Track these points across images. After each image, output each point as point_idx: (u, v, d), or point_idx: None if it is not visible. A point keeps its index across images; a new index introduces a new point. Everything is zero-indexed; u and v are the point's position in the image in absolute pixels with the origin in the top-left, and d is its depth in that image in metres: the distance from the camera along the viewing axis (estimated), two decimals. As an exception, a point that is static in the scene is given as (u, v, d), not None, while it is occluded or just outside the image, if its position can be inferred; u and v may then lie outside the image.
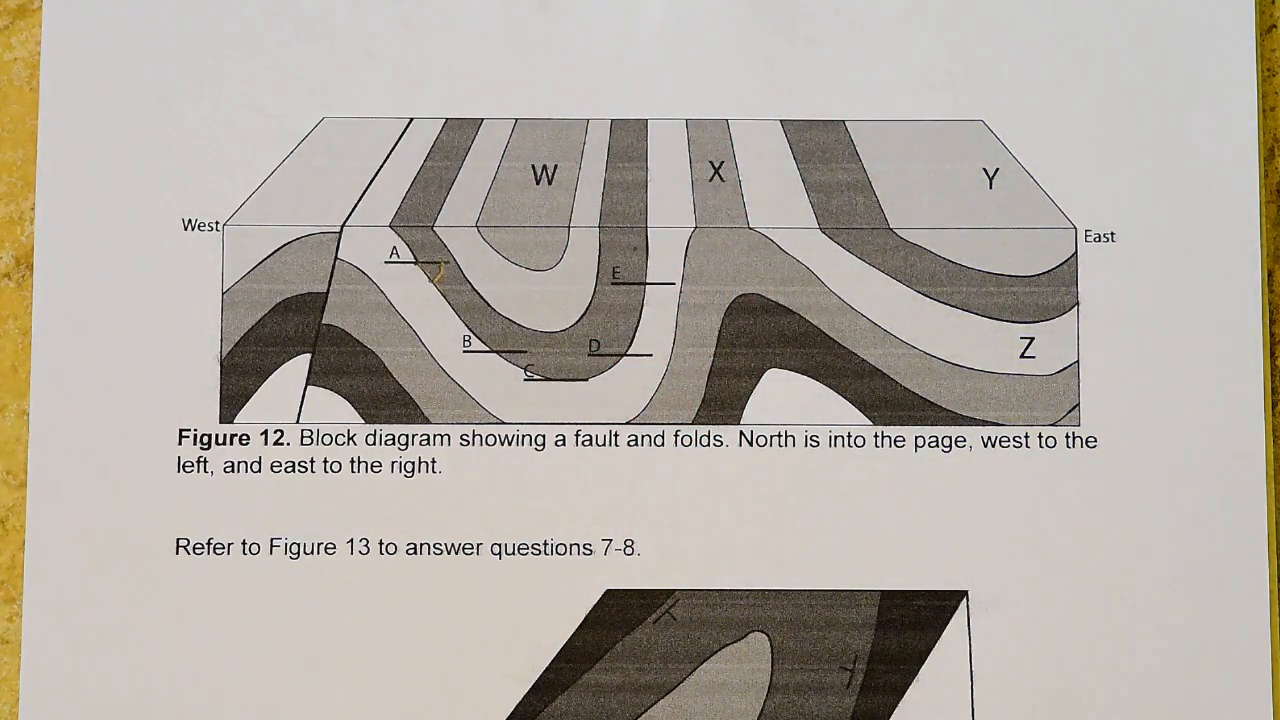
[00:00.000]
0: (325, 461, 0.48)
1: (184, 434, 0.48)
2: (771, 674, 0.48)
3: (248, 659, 0.47)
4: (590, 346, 0.49)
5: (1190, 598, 0.47)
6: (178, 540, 0.48)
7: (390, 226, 0.49)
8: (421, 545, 0.48)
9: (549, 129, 0.49)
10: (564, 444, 0.48)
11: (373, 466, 0.48)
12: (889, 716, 0.48)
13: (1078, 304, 0.49)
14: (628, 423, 0.48)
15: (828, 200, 0.49)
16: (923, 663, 0.48)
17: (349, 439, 0.48)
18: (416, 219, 0.49)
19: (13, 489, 0.48)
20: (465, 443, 0.48)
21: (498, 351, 0.49)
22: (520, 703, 0.47)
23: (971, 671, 0.48)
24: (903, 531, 0.48)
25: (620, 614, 0.48)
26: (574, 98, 0.49)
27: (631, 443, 0.48)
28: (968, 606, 0.48)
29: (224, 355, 0.48)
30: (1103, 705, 0.47)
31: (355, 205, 0.49)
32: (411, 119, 0.49)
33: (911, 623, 0.48)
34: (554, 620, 0.48)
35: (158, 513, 0.48)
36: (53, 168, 0.49)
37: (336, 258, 0.49)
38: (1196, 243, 0.49)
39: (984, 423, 0.48)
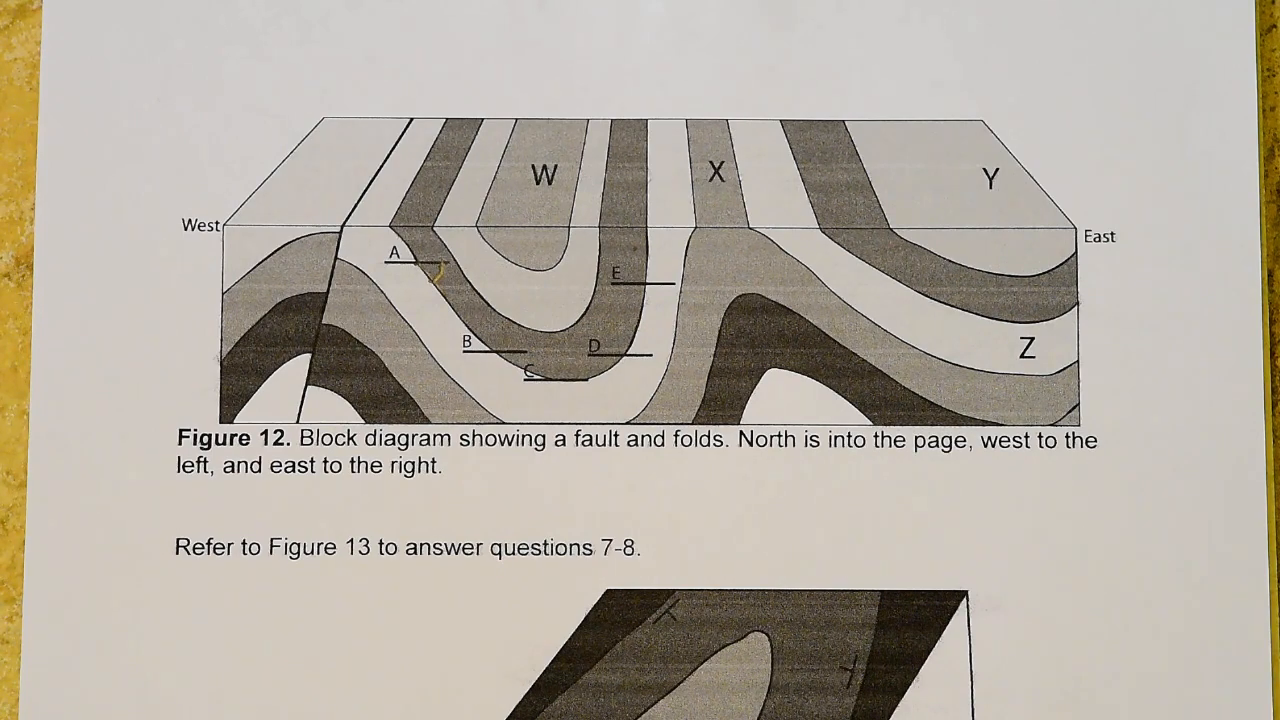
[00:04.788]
0: (325, 461, 0.48)
1: (184, 434, 0.48)
2: (771, 674, 0.48)
3: (248, 659, 0.47)
4: (590, 346, 0.49)
5: (1190, 598, 0.47)
6: (178, 540, 0.48)
7: (390, 226, 0.49)
8: (421, 545, 0.48)
9: (549, 129, 0.49)
10: (564, 444, 0.48)
11: (373, 466, 0.48)
12: (889, 716, 0.48)
13: (1078, 304, 0.49)
14: (628, 423, 0.48)
15: (828, 200, 0.49)
16: (923, 663, 0.48)
17: (349, 439, 0.48)
18: (416, 219, 0.49)
19: (13, 489, 0.48)
20: (465, 443, 0.48)
21: (498, 351, 0.49)
22: (520, 703, 0.47)
23: (971, 671, 0.48)
24: (903, 531, 0.48)
25: (620, 614, 0.48)
26: (574, 98, 0.49)
27: (631, 443, 0.48)
28: (968, 606, 0.48)
29: (224, 355, 0.48)
30: (1103, 705, 0.47)
31: (355, 205, 0.49)
32: (411, 119, 0.49)
33: (911, 623, 0.48)
34: (554, 620, 0.48)
35: (158, 513, 0.48)
36: (53, 168, 0.49)
37: (336, 258, 0.49)
38: (1196, 243, 0.49)
39: (984, 423, 0.48)
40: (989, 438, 0.48)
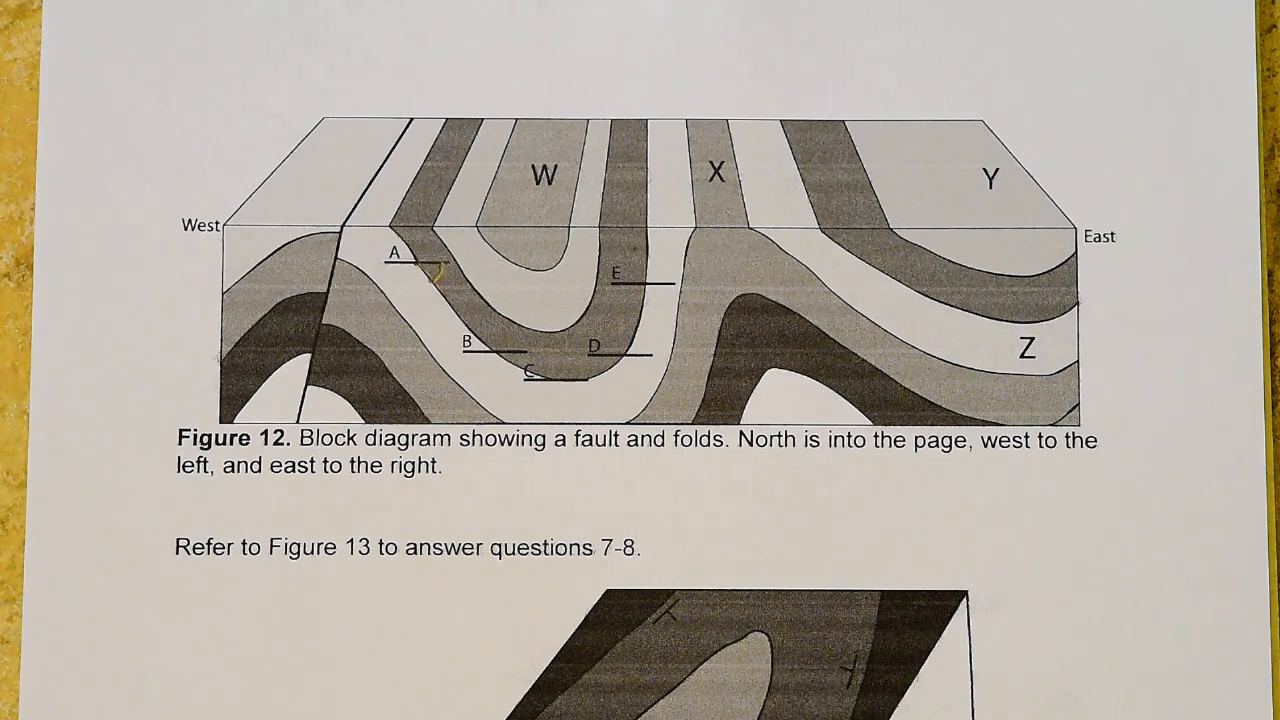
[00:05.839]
0: (325, 461, 0.48)
1: (184, 434, 0.48)
2: (771, 674, 0.48)
3: (248, 659, 0.47)
4: (590, 346, 0.49)
5: (1190, 598, 0.47)
6: (178, 540, 0.48)
7: (390, 226, 0.49)
8: (421, 545, 0.48)
9: (549, 129, 0.49)
10: (564, 444, 0.48)
11: (373, 466, 0.48)
12: (889, 716, 0.48)
13: (1078, 304, 0.49)
14: (628, 423, 0.48)
15: (828, 200, 0.49)
16: (923, 663, 0.48)
17: (349, 439, 0.48)
18: (416, 219, 0.49)
19: (13, 489, 0.48)
20: (465, 443, 0.48)
21: (498, 351, 0.49)
22: (520, 703, 0.47)
23: (971, 671, 0.48)
24: (903, 531, 0.48)
25: (620, 614, 0.48)
26: (574, 98, 0.49)
27: (631, 443, 0.48)
28: (968, 606, 0.48)
29: (224, 355, 0.48)
30: (1103, 705, 0.47)
31: (355, 205, 0.49)
32: (411, 119, 0.49)
33: (911, 623, 0.48)
34: (554, 620, 0.48)
35: (158, 513, 0.48)
36: (53, 168, 0.49)
37: (336, 258, 0.49)
38: (1196, 243, 0.49)
39: (984, 423, 0.48)
40: (989, 438, 0.48)
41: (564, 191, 0.49)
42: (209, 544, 0.48)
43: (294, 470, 0.48)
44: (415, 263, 0.49)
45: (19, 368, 0.49)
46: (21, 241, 0.49)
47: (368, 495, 0.48)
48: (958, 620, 0.48)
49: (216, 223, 0.49)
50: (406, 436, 0.48)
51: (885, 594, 0.48)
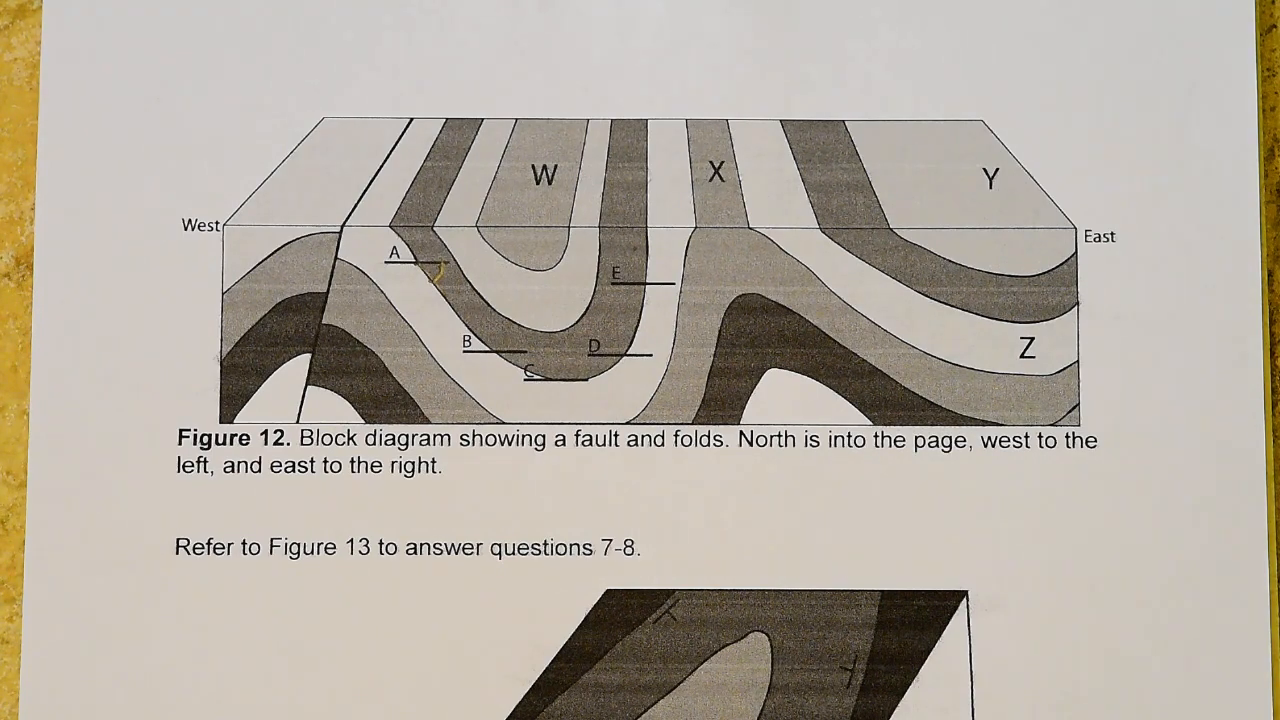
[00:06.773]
0: (325, 461, 0.48)
1: (184, 434, 0.48)
2: (771, 674, 0.48)
3: (248, 659, 0.47)
4: (590, 346, 0.49)
5: (1190, 598, 0.47)
6: (178, 540, 0.48)
7: (390, 226, 0.49)
8: (421, 545, 0.48)
9: (549, 129, 0.49)
10: (564, 444, 0.48)
11: (373, 466, 0.48)
12: (889, 716, 0.48)
13: (1078, 304, 0.49)
14: (628, 423, 0.48)
15: (828, 200, 0.49)
16: (923, 663, 0.48)
17: (349, 439, 0.48)
18: (416, 219, 0.49)
19: (13, 489, 0.48)
20: (465, 443, 0.48)
21: (498, 351, 0.49)
22: (520, 703, 0.47)
23: (971, 671, 0.48)
24: (903, 531, 0.48)
25: (620, 614, 0.48)
26: (574, 98, 0.49)
27: (631, 443, 0.48)
28: (968, 606, 0.48)
29: (224, 355, 0.48)
30: (1103, 705, 0.47)
31: (355, 205, 0.49)
32: (411, 119, 0.49)
33: (911, 623, 0.48)
34: (554, 620, 0.48)
35: (158, 513, 0.48)
36: (53, 168, 0.49)
37: (336, 258, 0.49)
38: (1196, 243, 0.49)
39: (984, 423, 0.48)
40: (989, 438, 0.48)
41: (564, 191, 0.49)
42: (209, 544, 0.48)
43: (294, 470, 0.48)
44: (415, 263, 0.49)
45: (19, 368, 0.49)
46: (21, 241, 0.49)
47: (368, 495, 0.48)
48: (958, 620, 0.48)
49: (216, 223, 0.49)
50: (406, 436, 0.48)
51: (885, 594, 0.48)
